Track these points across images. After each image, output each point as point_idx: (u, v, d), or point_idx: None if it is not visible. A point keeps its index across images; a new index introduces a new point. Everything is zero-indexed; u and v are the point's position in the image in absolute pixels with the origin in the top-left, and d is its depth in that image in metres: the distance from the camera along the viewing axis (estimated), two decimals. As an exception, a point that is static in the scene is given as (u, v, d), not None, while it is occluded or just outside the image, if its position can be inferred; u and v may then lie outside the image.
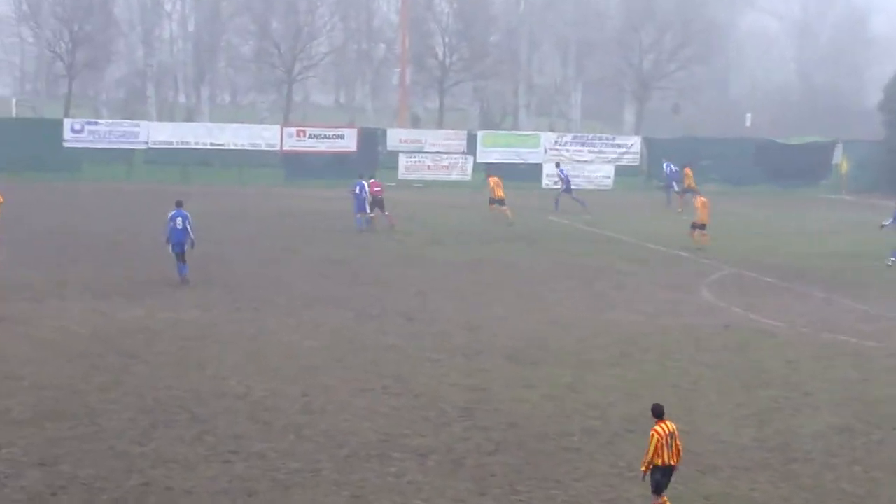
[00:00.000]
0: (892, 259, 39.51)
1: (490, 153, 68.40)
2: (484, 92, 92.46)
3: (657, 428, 15.89)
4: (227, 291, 31.70)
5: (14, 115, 76.74)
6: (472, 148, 68.55)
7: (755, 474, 18.37)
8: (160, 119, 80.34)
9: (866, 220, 50.18)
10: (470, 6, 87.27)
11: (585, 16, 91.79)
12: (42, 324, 27.02)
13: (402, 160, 67.46)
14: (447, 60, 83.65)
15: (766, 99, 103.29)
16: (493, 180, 51.09)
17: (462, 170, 67.66)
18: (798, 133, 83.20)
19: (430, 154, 68.05)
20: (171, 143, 65.27)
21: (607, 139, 71.87)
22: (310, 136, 67.23)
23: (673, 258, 40.79)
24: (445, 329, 27.85)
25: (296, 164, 66.38)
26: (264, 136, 67.05)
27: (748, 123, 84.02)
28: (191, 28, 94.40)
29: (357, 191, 45.35)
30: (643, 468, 16.07)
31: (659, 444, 15.77)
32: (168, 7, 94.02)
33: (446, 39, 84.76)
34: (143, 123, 68.14)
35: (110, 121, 69.73)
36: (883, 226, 41.96)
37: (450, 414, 20.92)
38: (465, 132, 71.48)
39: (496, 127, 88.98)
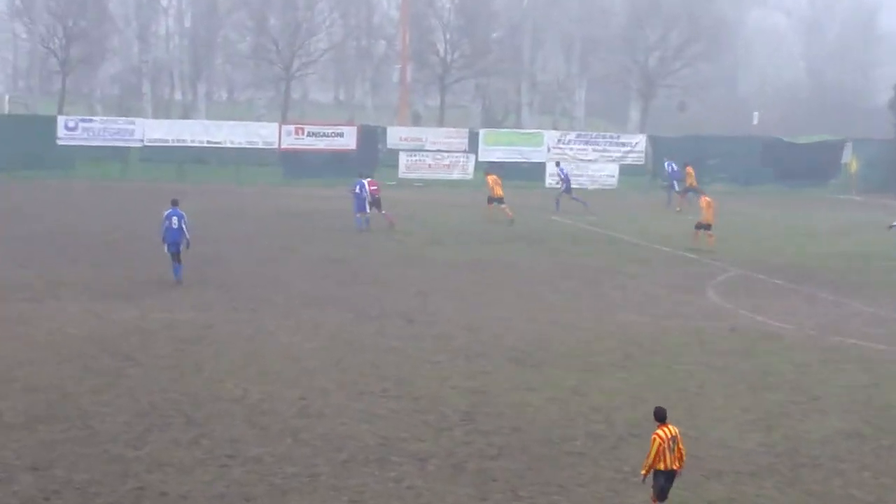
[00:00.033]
0: None
1: (492, 152, 68.38)
2: (486, 89, 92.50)
3: (659, 432, 15.92)
4: (223, 292, 31.70)
5: (7, 112, 76.84)
6: (473, 146, 68.53)
7: (761, 480, 18.36)
8: (156, 116, 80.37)
9: (876, 220, 50.24)
10: (472, 1, 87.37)
11: (590, 12, 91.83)
12: (35, 325, 27.02)
13: (403, 159, 67.45)
14: (448, 57, 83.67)
15: (774, 97, 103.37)
16: (491, 178, 51.00)
17: (463, 169, 67.62)
18: (806, 131, 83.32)
19: (431, 153, 68.04)
20: (167, 141, 65.24)
21: (612, 138, 71.87)
22: (308, 134, 67.21)
23: (679, 259, 40.78)
24: (446, 330, 27.84)
25: (294, 163, 66.36)
26: (262, 133, 67.03)
27: (755, 122, 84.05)
28: (187, 24, 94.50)
29: (357, 190, 45.36)
30: (643, 472, 16.14)
31: (661, 449, 15.80)
32: (164, 2, 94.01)
33: (447, 35, 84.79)
34: (138, 121, 68.13)
35: (105, 118, 69.70)
36: (892, 226, 42.00)
37: (450, 417, 20.91)
38: (467, 130, 71.47)
39: (498, 125, 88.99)
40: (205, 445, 18.97)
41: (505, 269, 37.27)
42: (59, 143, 63.59)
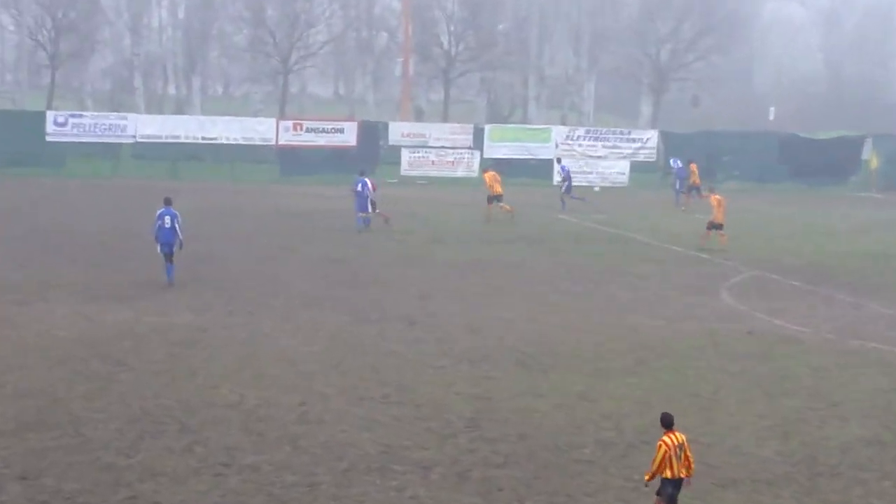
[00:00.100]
0: None
1: (498, 148, 68.46)
2: (491, 83, 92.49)
3: (665, 439, 15.99)
4: (219, 293, 31.71)
5: (-7, 107, 76.87)
6: (478, 142, 68.60)
7: (778, 489, 18.35)
8: (148, 112, 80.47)
9: (897, 219, 50.28)
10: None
11: (600, 2, 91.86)
12: (24, 327, 27.04)
13: (405, 155, 67.52)
14: (453, 50, 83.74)
15: (791, 91, 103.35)
16: (490, 175, 50.81)
17: (468, 165, 67.68)
18: (824, 127, 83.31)
19: (435, 149, 68.09)
20: (160, 136, 65.33)
21: (622, 133, 71.89)
22: (307, 130, 67.30)
23: (691, 259, 40.78)
24: (449, 334, 27.85)
25: (292, 160, 66.44)
26: (259, 129, 67.12)
27: (771, 117, 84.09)
28: (181, 15, 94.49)
29: (359, 188, 45.37)
30: (647, 477, 16.24)
31: (667, 456, 15.86)
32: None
33: (452, 27, 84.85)
34: (130, 116, 68.19)
35: (95, 113, 69.70)
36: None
37: (455, 424, 20.92)
38: (472, 126, 71.50)
39: (504, 120, 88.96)
40: (199, 453, 18.97)
41: (510, 270, 37.28)
42: (49, 139, 63.69)
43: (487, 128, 71.29)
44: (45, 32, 79.07)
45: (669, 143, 70.35)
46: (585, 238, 45.43)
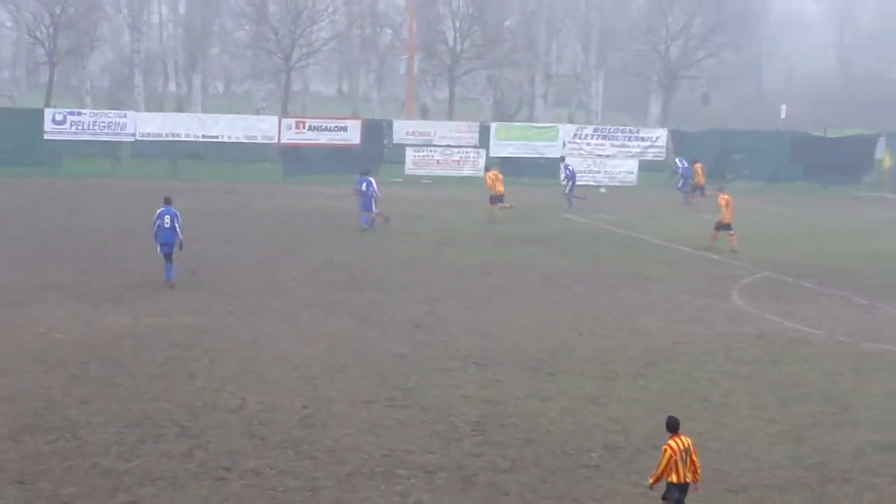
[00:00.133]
0: None
1: (504, 147, 68.45)
2: (498, 81, 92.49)
3: (671, 443, 16.04)
4: (220, 295, 31.73)
5: (-9, 105, 76.89)
6: (484, 141, 68.55)
7: (790, 495, 18.35)
8: (148, 109, 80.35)
9: (911, 219, 50.23)
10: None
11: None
12: (21, 329, 27.06)
13: (410, 154, 67.49)
14: (458, 47, 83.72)
15: (803, 88, 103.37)
16: (491, 175, 50.75)
17: (474, 165, 67.56)
18: (837, 125, 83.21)
19: (440, 148, 68.05)
20: (161, 135, 65.27)
21: (631, 132, 71.77)
22: (310, 129, 67.23)
23: (701, 260, 40.76)
24: (455, 336, 27.85)
25: (295, 159, 66.43)
26: (261, 128, 67.10)
27: (783, 115, 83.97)
28: (182, 11, 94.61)
29: (364, 188, 45.36)
30: (651, 480, 16.29)
31: (671, 460, 15.92)
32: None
33: (457, 24, 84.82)
34: (129, 114, 68.10)
35: (95, 111, 69.64)
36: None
37: (460, 428, 20.92)
38: (478, 124, 71.45)
39: (511, 119, 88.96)
40: (200, 458, 18.99)
41: (517, 272, 37.28)
42: (47, 137, 63.62)
43: (493, 126, 71.21)
44: (43, 29, 79.09)
45: (679, 141, 70.28)
46: (594, 239, 45.41)
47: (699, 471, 16.25)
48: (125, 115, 67.03)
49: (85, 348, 25.52)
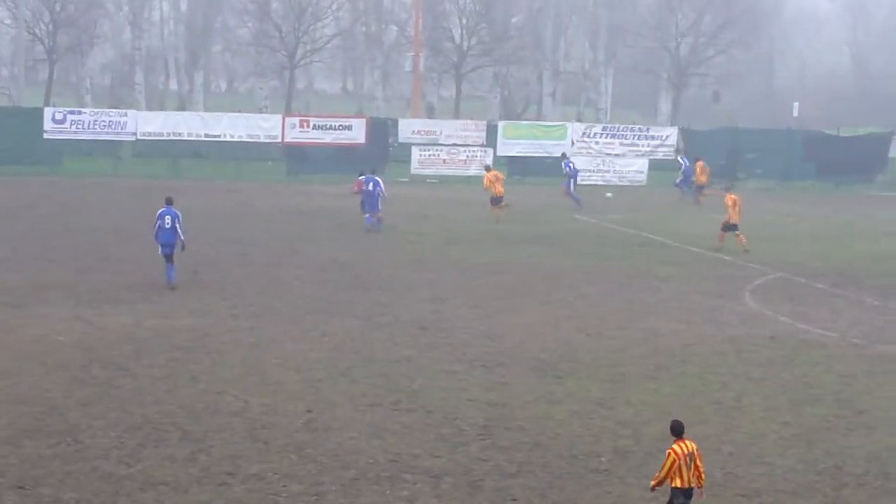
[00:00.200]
0: None
1: (512, 146, 68.44)
2: (505, 79, 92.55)
3: (675, 447, 16.00)
4: (222, 297, 31.74)
5: (-10, 103, 77.04)
6: (492, 140, 68.54)
7: (803, 500, 18.31)
8: (150, 108, 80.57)
9: (926, 219, 50.14)
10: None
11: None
12: (20, 332, 27.07)
13: (416, 153, 67.49)
14: (465, 44, 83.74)
15: (816, 86, 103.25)
16: (491, 176, 50.64)
17: (481, 164, 67.51)
18: (850, 124, 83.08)
19: (446, 147, 68.05)
20: (162, 134, 65.34)
21: (640, 130, 71.71)
22: (314, 127, 67.26)
23: (713, 261, 40.71)
24: (462, 338, 27.83)
25: (298, 158, 66.49)
26: (264, 126, 67.12)
27: (795, 113, 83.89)
28: (183, 8, 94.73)
29: (370, 187, 45.34)
30: (652, 483, 16.30)
31: (675, 465, 15.88)
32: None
33: (464, 21, 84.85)
34: (130, 113, 68.22)
35: (95, 110, 69.83)
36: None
37: (467, 432, 20.90)
38: (485, 123, 71.50)
39: (518, 117, 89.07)
40: (202, 462, 18.98)
41: (525, 272, 37.25)
42: (46, 136, 63.71)
43: (501, 124, 71.18)
44: (42, 26, 79.23)
45: (689, 140, 70.23)
46: (604, 239, 45.37)
47: (703, 476, 16.21)
48: (126, 114, 67.09)
49: (85, 350, 25.53)
